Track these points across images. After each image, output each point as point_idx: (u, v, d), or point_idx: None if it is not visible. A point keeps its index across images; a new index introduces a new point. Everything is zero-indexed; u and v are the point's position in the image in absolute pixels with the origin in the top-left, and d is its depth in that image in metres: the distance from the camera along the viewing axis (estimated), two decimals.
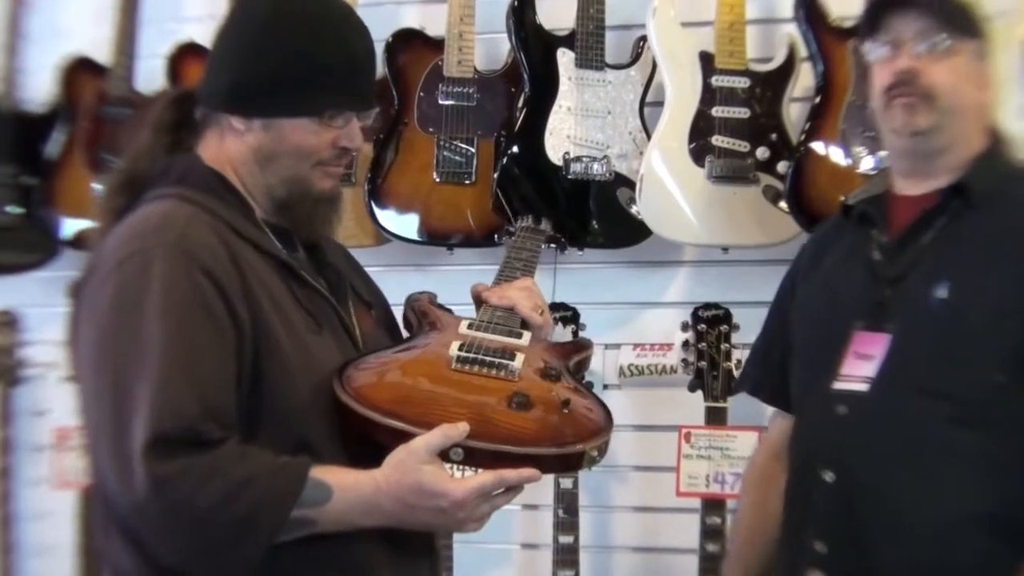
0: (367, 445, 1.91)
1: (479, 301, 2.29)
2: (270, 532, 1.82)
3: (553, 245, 3.05)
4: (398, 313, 2.32)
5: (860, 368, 2.26)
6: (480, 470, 1.89)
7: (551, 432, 1.96)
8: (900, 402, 2.22)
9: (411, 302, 2.31)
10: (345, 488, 1.87)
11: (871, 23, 2.36)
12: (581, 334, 3.17)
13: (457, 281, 2.37)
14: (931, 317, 2.21)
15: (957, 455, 2.15)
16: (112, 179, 2.08)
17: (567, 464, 2.03)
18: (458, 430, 1.87)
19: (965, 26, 2.30)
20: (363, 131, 2.10)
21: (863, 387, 2.24)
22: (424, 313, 2.27)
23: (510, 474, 1.88)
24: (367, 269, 2.35)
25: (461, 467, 1.93)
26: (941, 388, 2.19)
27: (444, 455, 1.87)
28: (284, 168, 2.03)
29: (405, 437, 1.88)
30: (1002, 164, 2.35)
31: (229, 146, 2.03)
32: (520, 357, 2.07)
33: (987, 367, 2.15)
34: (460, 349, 2.05)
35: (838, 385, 2.28)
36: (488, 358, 2.05)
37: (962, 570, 2.16)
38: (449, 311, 2.29)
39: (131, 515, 1.85)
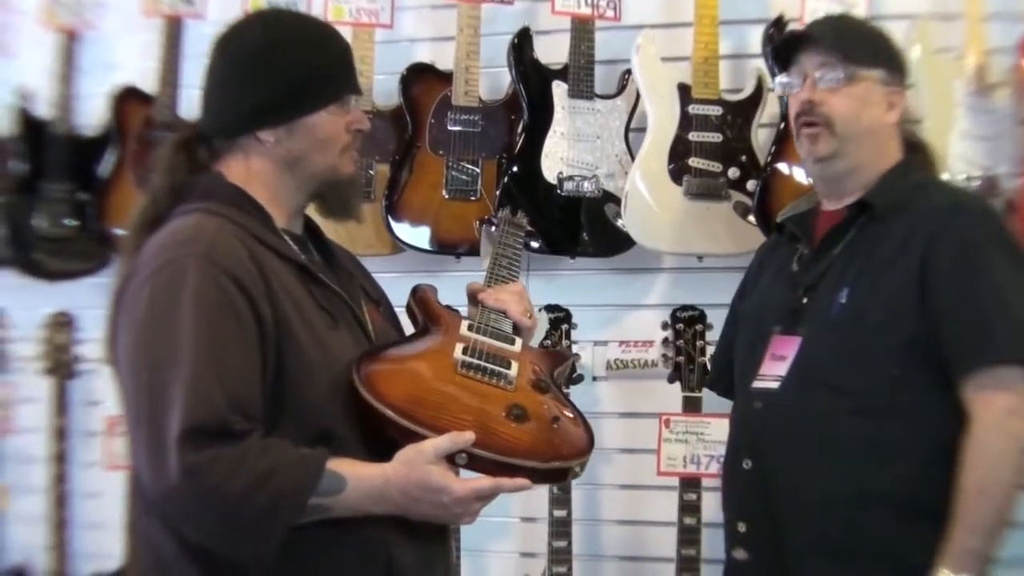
0: (382, 435, 2.01)
1: (474, 298, 2.37)
2: (289, 518, 1.90)
3: (530, 239, 3.11)
4: (400, 312, 2.39)
5: (775, 368, 2.35)
6: (478, 474, 1.99)
7: (543, 447, 2.06)
8: (806, 397, 2.29)
9: (414, 293, 2.37)
10: (358, 479, 1.95)
11: (783, 59, 2.45)
12: (573, 332, 3.25)
13: (463, 286, 2.43)
14: (834, 320, 2.28)
15: (857, 442, 2.20)
16: (134, 222, 2.13)
17: (554, 477, 2.14)
18: (465, 438, 1.98)
19: (865, 57, 2.36)
20: (381, 153, 2.25)
21: (775, 385, 2.31)
22: (426, 304, 2.34)
23: (506, 483, 1.99)
24: (384, 275, 2.46)
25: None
26: (842, 384, 2.24)
27: (450, 458, 1.97)
28: (314, 165, 2.14)
29: (416, 437, 1.98)
30: (911, 177, 2.38)
31: (256, 163, 2.13)
32: (515, 366, 2.17)
33: (882, 363, 2.21)
34: (464, 352, 2.15)
35: (756, 384, 2.38)
36: (488, 365, 2.14)
37: (863, 545, 2.22)
38: (448, 307, 2.36)
39: (163, 500, 1.92)
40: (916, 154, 2.47)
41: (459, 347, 2.17)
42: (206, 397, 1.89)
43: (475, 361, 2.15)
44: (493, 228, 2.70)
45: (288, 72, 2.11)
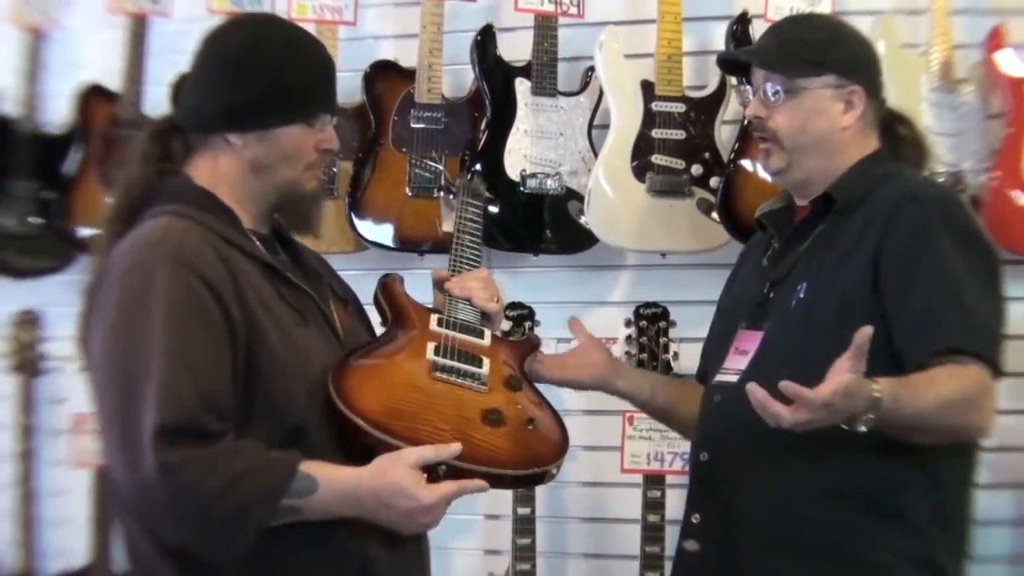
0: (357, 443, 2.02)
1: (440, 286, 2.39)
2: (261, 520, 1.91)
3: (490, 204, 3.07)
4: (368, 306, 2.40)
5: (737, 362, 2.34)
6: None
7: (520, 453, 2.09)
8: None
9: (382, 287, 2.37)
10: (330, 481, 1.96)
11: (743, 73, 2.46)
12: (536, 330, 3.22)
13: (428, 283, 2.44)
14: (792, 315, 2.27)
15: (807, 437, 2.09)
16: (110, 209, 2.15)
17: (532, 481, 2.20)
18: (450, 450, 2.00)
19: (809, 66, 2.33)
20: (344, 150, 2.25)
21: (735, 379, 2.31)
22: (393, 299, 2.34)
23: (468, 485, 2.01)
24: (348, 273, 2.44)
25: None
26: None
27: (429, 468, 1.98)
28: (277, 175, 2.13)
29: (394, 449, 1.99)
30: (878, 169, 2.35)
31: (223, 163, 2.12)
32: (487, 362, 2.21)
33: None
34: (436, 352, 2.17)
35: (719, 377, 2.37)
36: (461, 365, 2.16)
37: (810, 539, 2.21)
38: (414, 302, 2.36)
39: (137, 499, 1.92)
40: (899, 145, 2.45)
41: (431, 346, 2.19)
42: (179, 396, 1.89)
43: (448, 362, 2.16)
44: (452, 196, 2.68)
45: (264, 80, 2.11)
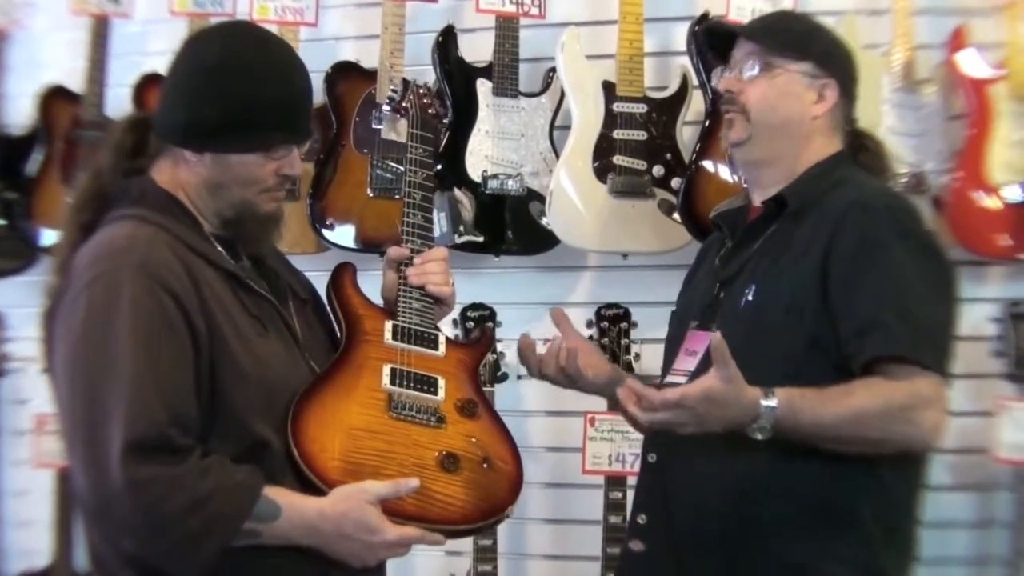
0: None
1: (395, 265, 2.37)
2: (221, 543, 1.93)
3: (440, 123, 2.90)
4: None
5: (687, 363, 2.32)
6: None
7: (475, 503, 2.13)
8: None
9: (333, 285, 2.36)
10: (293, 508, 1.98)
11: (722, 55, 2.45)
12: (498, 331, 3.22)
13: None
14: (739, 317, 2.26)
15: (750, 440, 2.11)
16: (77, 196, 2.13)
17: (489, 527, 2.26)
18: (408, 486, 2.05)
19: (791, 49, 2.34)
20: (306, 151, 2.17)
21: (683, 380, 2.27)
22: (346, 305, 2.32)
23: (429, 536, 2.06)
24: (309, 274, 2.43)
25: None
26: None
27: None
28: (232, 195, 2.11)
29: None
30: (836, 173, 2.33)
31: (182, 173, 2.10)
32: (442, 385, 2.24)
33: (778, 360, 2.16)
34: (393, 381, 2.18)
35: (668, 378, 2.36)
36: (417, 396, 2.19)
37: (752, 541, 2.19)
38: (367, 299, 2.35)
39: (100, 509, 1.93)
40: (861, 152, 2.43)
41: (387, 372, 2.21)
42: (147, 410, 1.89)
43: (404, 394, 2.19)
44: (386, 108, 2.65)
45: (223, 104, 2.06)
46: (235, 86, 2.06)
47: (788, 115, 2.34)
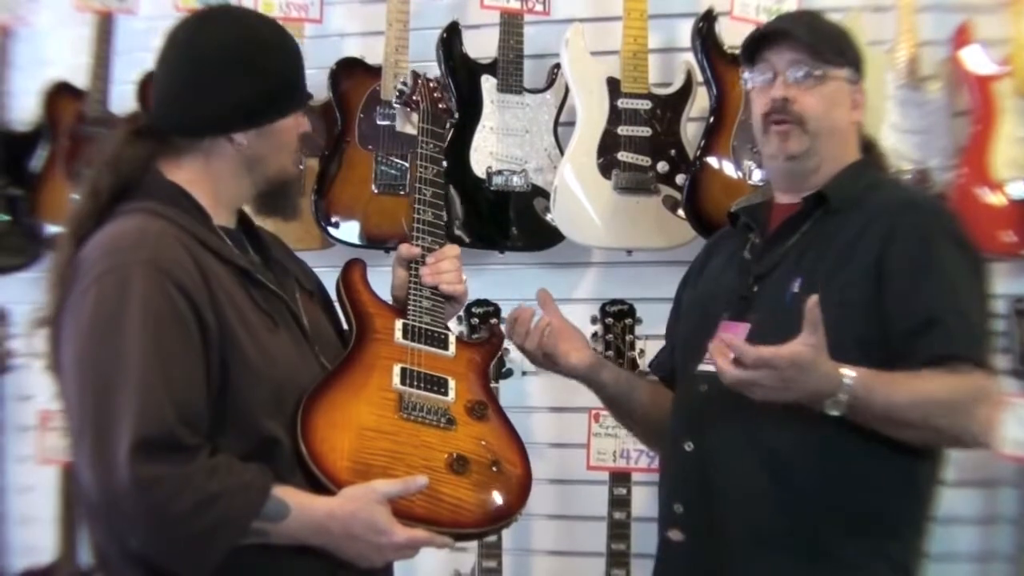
0: None
1: (406, 263, 2.35)
2: (228, 544, 1.91)
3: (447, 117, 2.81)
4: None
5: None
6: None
7: (485, 507, 2.12)
8: None
9: (343, 281, 2.34)
10: (302, 508, 1.97)
11: (750, 54, 2.40)
12: (502, 327, 3.08)
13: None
14: (784, 309, 2.22)
15: (792, 431, 2.15)
16: (73, 215, 2.09)
17: (498, 531, 2.29)
18: (417, 484, 2.03)
19: (835, 55, 2.33)
20: (310, 148, 2.25)
21: None
22: (356, 301, 2.31)
23: (438, 539, 2.05)
24: (315, 270, 2.42)
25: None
26: None
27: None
28: (269, 167, 2.14)
29: None
30: (867, 175, 2.37)
31: (216, 163, 2.10)
32: (452, 386, 2.22)
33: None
34: (403, 380, 2.17)
35: (702, 367, 2.32)
36: (427, 397, 2.17)
37: (795, 535, 2.20)
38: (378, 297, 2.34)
39: (106, 507, 1.91)
40: (870, 153, 2.45)
41: (397, 371, 2.19)
42: (156, 409, 1.88)
43: (415, 394, 2.17)
44: (396, 102, 2.61)
45: (268, 75, 2.11)
46: (260, 57, 2.11)
47: (839, 123, 2.37)
